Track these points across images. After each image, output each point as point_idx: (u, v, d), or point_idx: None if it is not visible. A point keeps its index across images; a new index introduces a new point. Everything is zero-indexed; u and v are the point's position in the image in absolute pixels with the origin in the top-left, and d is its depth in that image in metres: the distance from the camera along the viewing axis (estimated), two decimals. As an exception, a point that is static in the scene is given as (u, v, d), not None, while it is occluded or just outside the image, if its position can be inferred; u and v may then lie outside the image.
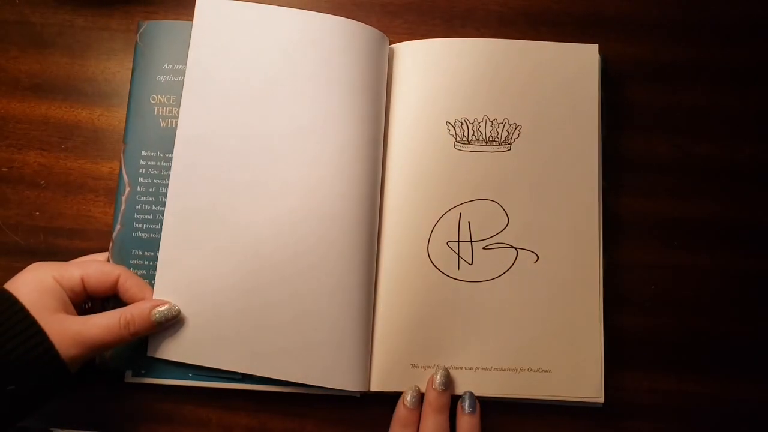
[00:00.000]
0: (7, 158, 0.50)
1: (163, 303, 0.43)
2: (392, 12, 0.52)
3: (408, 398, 0.44)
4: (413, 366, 0.45)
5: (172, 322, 0.43)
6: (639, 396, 0.47)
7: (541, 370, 0.45)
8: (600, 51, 0.50)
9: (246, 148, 0.45)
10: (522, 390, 0.45)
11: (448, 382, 0.44)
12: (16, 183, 0.50)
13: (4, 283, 0.41)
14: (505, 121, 0.47)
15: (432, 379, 0.44)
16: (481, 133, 0.47)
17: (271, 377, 0.43)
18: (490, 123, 0.47)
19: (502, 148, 0.47)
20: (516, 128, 0.47)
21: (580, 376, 0.45)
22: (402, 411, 0.44)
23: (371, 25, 0.50)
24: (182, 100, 0.46)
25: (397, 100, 0.48)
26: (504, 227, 0.47)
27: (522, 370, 0.45)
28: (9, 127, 0.50)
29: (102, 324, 0.40)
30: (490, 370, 0.45)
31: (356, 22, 0.47)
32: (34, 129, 0.50)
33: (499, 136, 0.47)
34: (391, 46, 0.49)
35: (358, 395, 0.45)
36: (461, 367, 0.45)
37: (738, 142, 0.50)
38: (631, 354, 0.47)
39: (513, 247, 0.46)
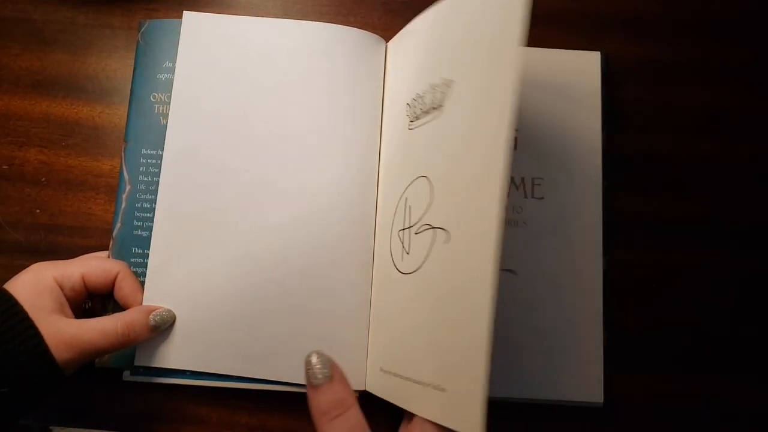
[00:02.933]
0: (7, 155, 0.50)
1: (159, 307, 0.43)
2: (393, 10, 0.52)
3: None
4: (381, 370, 0.42)
5: (167, 326, 0.43)
6: (638, 395, 0.47)
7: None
8: (601, 49, 0.50)
9: (236, 155, 0.46)
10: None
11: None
12: (17, 180, 0.50)
13: (4, 281, 0.41)
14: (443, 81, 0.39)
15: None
16: (424, 104, 0.42)
17: (268, 379, 0.43)
18: (431, 90, 0.41)
19: (436, 113, 0.40)
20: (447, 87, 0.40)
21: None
22: None
23: (372, 24, 0.50)
24: (170, 110, 0.46)
25: (397, 101, 0.48)
26: (429, 205, 0.39)
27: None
28: (10, 124, 0.50)
29: (98, 328, 0.40)
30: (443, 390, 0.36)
31: (342, 26, 0.47)
32: (35, 126, 0.50)
33: (437, 101, 0.40)
34: (389, 43, 0.49)
35: (357, 395, 0.45)
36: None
37: (739, 141, 0.50)
38: (631, 353, 0.47)
39: (433, 227, 0.38)
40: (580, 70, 0.49)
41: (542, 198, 0.47)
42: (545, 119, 0.48)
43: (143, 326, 0.42)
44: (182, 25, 0.48)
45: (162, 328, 0.43)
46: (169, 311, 0.43)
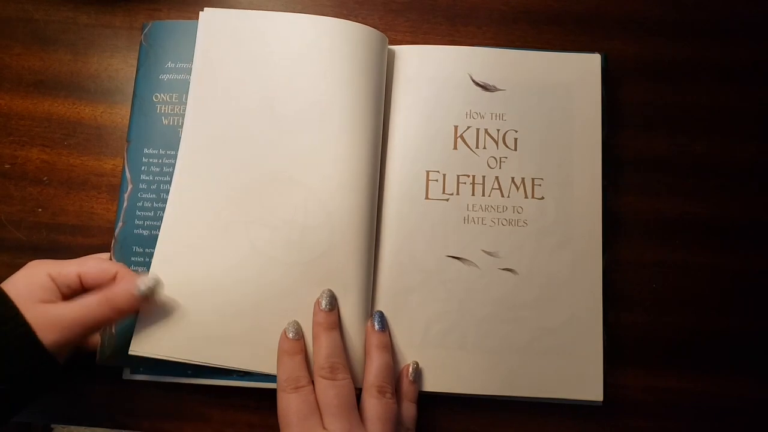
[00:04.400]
0: (10, 154, 0.50)
1: (144, 275, 0.41)
2: (395, 10, 0.53)
3: (291, 332, 0.43)
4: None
5: (154, 292, 0.41)
6: (638, 394, 0.47)
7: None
8: (601, 50, 0.50)
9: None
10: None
11: (334, 302, 0.44)
12: (19, 179, 0.50)
13: (5, 279, 0.41)
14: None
15: (318, 303, 0.43)
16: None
17: (269, 374, 0.43)
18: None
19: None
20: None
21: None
22: (287, 343, 0.43)
23: (373, 23, 0.50)
24: (187, 106, 0.47)
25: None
26: None
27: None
28: (12, 123, 0.51)
29: (81, 303, 0.39)
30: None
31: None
32: (37, 125, 0.50)
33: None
34: (394, 47, 0.50)
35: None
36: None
37: (738, 141, 0.50)
38: (631, 352, 0.47)
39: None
40: (581, 72, 0.49)
41: (542, 198, 0.48)
42: (546, 121, 0.49)
43: (126, 293, 0.40)
44: (199, 21, 0.48)
45: (149, 294, 0.41)
46: (155, 277, 0.42)
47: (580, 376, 0.45)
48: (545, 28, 0.52)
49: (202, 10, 0.48)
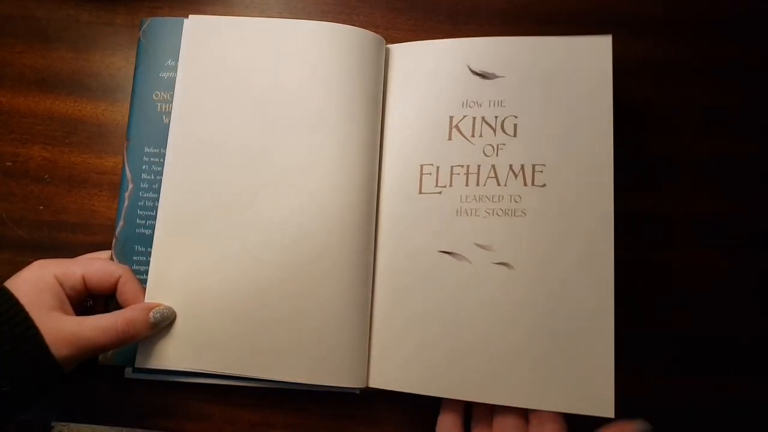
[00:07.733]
0: (11, 152, 0.50)
1: (159, 304, 0.43)
2: (397, 8, 0.53)
3: None
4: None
5: (167, 323, 0.43)
6: (639, 394, 0.47)
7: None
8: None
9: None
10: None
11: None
12: (21, 177, 0.50)
13: (7, 277, 0.41)
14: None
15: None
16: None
17: (270, 378, 0.43)
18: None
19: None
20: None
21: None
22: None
23: (375, 22, 0.50)
24: (172, 112, 0.46)
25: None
26: None
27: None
28: (13, 121, 0.51)
29: (97, 326, 0.40)
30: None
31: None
32: (39, 123, 0.51)
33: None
34: (391, 46, 0.49)
35: (357, 392, 0.45)
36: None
37: (739, 140, 0.50)
38: (631, 352, 0.47)
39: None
40: (590, 54, 0.46)
41: (544, 186, 0.44)
42: (550, 103, 0.45)
43: (143, 323, 0.42)
44: (184, 29, 0.48)
45: (162, 325, 0.43)
46: (169, 308, 0.43)
47: (586, 387, 0.41)
48: (547, 27, 0.52)
49: (202, 10, 0.48)
